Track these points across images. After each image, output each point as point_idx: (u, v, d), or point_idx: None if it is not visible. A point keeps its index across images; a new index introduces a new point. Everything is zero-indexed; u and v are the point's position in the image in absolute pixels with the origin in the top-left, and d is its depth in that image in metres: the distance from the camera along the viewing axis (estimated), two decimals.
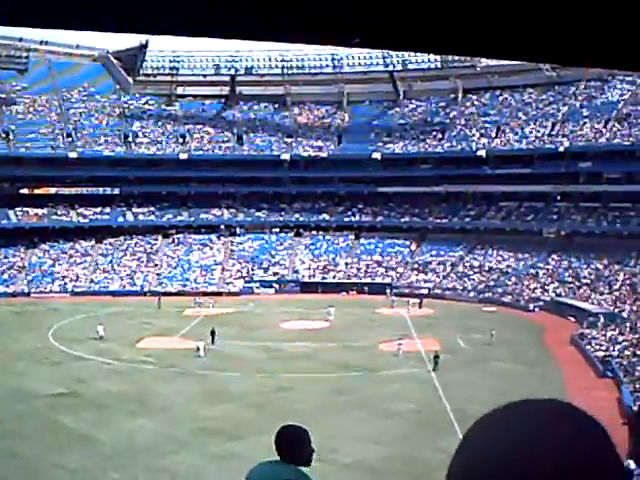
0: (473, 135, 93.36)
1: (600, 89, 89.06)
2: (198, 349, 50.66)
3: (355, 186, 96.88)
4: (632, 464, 16.45)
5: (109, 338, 55.66)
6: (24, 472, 28.59)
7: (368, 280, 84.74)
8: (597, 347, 49.47)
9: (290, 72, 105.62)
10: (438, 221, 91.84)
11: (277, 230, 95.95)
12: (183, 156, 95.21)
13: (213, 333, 54.28)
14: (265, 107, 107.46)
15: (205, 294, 77.73)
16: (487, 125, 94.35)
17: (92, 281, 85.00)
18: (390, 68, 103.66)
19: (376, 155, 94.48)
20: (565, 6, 2.27)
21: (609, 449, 1.29)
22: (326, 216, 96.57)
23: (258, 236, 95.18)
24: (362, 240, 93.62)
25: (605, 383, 42.02)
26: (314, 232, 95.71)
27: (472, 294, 77.68)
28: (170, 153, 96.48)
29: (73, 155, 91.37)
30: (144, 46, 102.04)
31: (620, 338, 50.38)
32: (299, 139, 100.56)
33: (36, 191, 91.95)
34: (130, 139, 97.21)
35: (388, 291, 79.29)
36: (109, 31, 2.93)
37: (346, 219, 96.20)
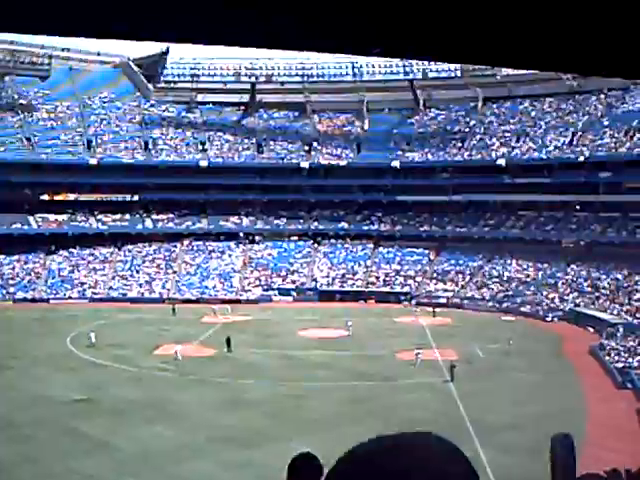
0: (493, 144, 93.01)
1: (621, 98, 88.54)
2: (176, 353, 51.28)
3: (374, 194, 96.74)
4: None
5: (127, 345, 55.91)
6: (40, 477, 28.69)
7: (387, 289, 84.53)
8: (616, 358, 49.10)
9: (310, 80, 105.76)
10: (457, 230, 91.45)
11: (296, 238, 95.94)
12: (203, 163, 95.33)
13: (229, 340, 54.29)
14: (285, 115, 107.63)
15: (223, 302, 77.79)
16: (507, 134, 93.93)
17: (111, 287, 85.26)
18: (410, 76, 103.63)
19: (395, 163, 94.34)
20: (585, 17, 2.26)
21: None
22: (345, 224, 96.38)
23: (277, 244, 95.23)
24: (381, 249, 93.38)
25: (624, 394, 41.69)
26: (333, 240, 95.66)
27: (491, 303, 77.30)
28: (190, 160, 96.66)
29: (93, 162, 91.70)
30: (165, 53, 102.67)
31: None
32: (319, 147, 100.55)
33: (56, 197, 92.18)
34: (150, 146, 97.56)
35: (406, 300, 79.15)
36: (128, 39, 2.93)
37: (365, 227, 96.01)
